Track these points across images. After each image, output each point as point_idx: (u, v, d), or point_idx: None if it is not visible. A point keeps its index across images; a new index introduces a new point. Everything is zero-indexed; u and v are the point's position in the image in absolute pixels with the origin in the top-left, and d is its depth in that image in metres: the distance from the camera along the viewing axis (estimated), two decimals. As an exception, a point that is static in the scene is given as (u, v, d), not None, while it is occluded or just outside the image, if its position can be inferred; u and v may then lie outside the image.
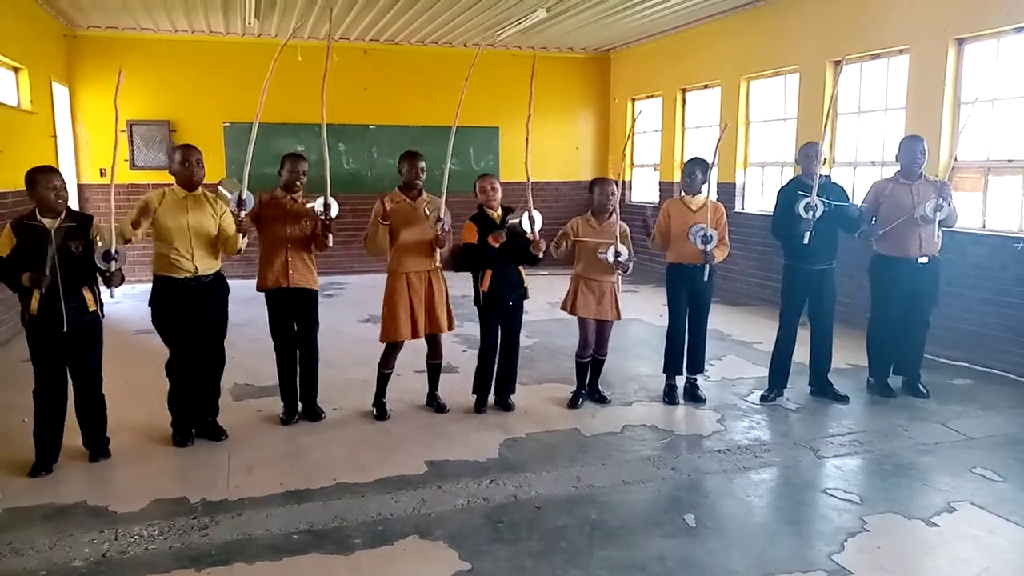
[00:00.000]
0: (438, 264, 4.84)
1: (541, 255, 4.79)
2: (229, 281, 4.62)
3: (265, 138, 10.41)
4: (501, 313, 5.00)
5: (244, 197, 4.29)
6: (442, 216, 4.66)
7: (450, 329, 5.00)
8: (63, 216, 4.02)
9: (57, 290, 3.94)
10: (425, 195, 4.87)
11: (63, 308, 3.96)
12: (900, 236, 5.21)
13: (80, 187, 10.31)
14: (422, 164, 4.84)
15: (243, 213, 4.31)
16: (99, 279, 4.13)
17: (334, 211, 4.61)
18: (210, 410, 4.65)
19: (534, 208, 4.72)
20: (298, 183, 4.79)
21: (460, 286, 5.28)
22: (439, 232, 4.67)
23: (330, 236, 4.68)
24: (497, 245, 4.74)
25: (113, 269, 3.96)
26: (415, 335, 4.82)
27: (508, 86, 11.02)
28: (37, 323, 3.97)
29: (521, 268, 4.98)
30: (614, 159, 12.51)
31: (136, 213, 4.22)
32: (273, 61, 4.49)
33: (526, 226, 4.69)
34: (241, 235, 4.38)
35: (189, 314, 4.38)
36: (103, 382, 4.28)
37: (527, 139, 4.92)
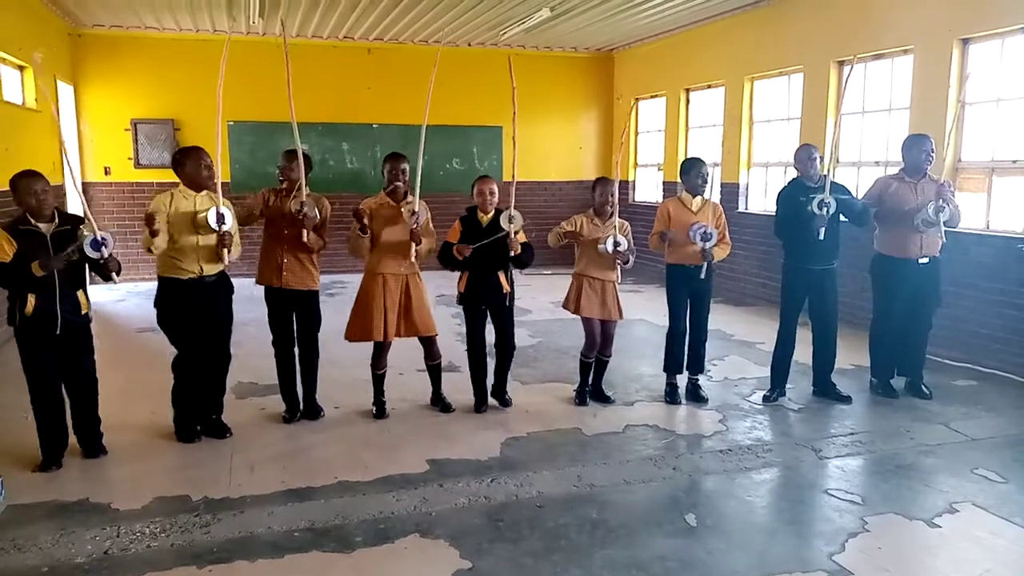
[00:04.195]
0: (413, 260, 4.75)
1: (514, 253, 4.76)
2: (232, 279, 4.63)
3: (270, 137, 10.56)
4: (482, 315, 5.00)
5: (222, 211, 4.25)
6: (416, 210, 4.61)
7: (427, 333, 4.94)
8: (56, 220, 4.00)
9: (53, 293, 3.94)
10: (410, 196, 4.78)
11: (58, 310, 3.97)
12: (901, 236, 5.21)
13: (84, 185, 10.34)
14: (404, 166, 4.79)
15: (223, 228, 4.26)
16: (92, 277, 4.12)
17: (306, 208, 4.49)
18: (215, 408, 4.66)
19: (516, 209, 4.72)
20: (284, 182, 4.74)
21: (449, 286, 5.26)
22: (412, 227, 4.62)
23: (304, 233, 4.56)
24: (460, 258, 4.73)
25: (105, 256, 3.95)
26: (387, 337, 4.81)
27: (511, 85, 11.04)
28: (30, 325, 3.96)
29: (502, 275, 4.92)
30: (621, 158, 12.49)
31: (148, 227, 4.10)
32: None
33: (504, 224, 4.69)
34: (225, 249, 4.31)
35: (195, 314, 4.38)
36: (98, 382, 4.30)
37: (514, 139, 4.88)
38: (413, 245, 4.68)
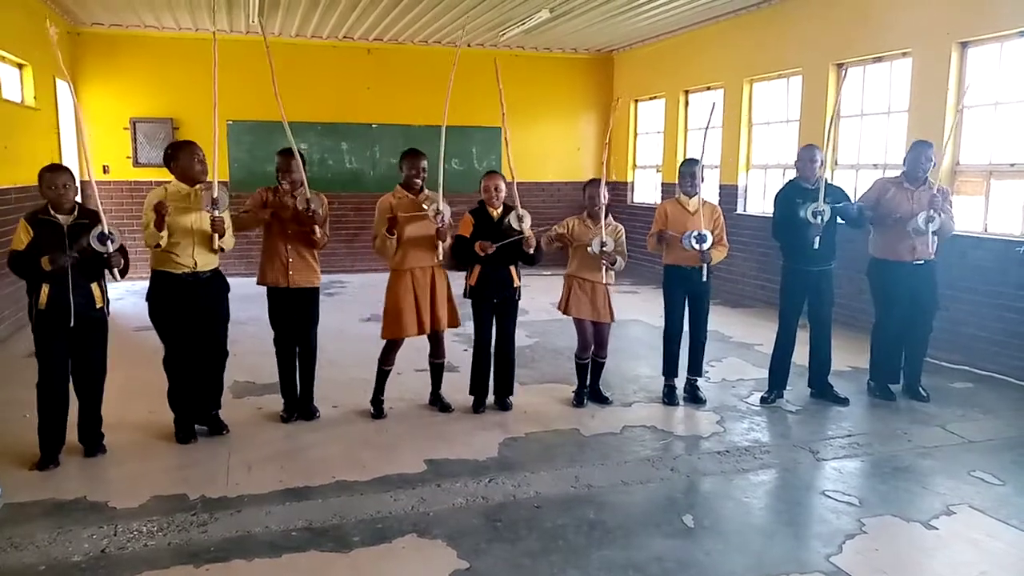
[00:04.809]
0: (440, 260, 4.81)
1: (532, 251, 4.79)
2: (230, 279, 4.63)
3: (269, 136, 10.56)
4: (490, 309, 5.01)
5: (216, 196, 4.25)
6: (441, 208, 4.64)
7: (452, 326, 5.00)
8: (75, 213, 4.05)
9: (66, 284, 3.97)
10: (427, 191, 4.84)
11: (71, 302, 3.99)
12: (894, 240, 5.23)
13: (83, 183, 10.30)
14: (423, 163, 4.82)
15: (216, 212, 4.27)
16: (106, 273, 4.15)
17: (314, 205, 4.57)
18: (212, 404, 4.65)
19: (523, 207, 4.75)
20: (284, 183, 4.75)
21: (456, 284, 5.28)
22: (439, 225, 4.65)
23: (316, 230, 4.65)
24: (483, 255, 4.74)
25: (111, 250, 3.97)
26: (420, 331, 4.83)
27: (511, 86, 11.04)
28: (45, 316, 4.00)
29: (513, 269, 4.95)
30: (616, 160, 12.52)
31: (153, 217, 4.15)
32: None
33: (515, 224, 4.71)
34: (217, 235, 4.32)
35: (188, 309, 4.37)
36: (105, 379, 4.30)
37: (506, 140, 4.90)
38: (440, 244, 4.69)
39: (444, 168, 4.82)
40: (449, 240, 4.80)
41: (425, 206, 4.70)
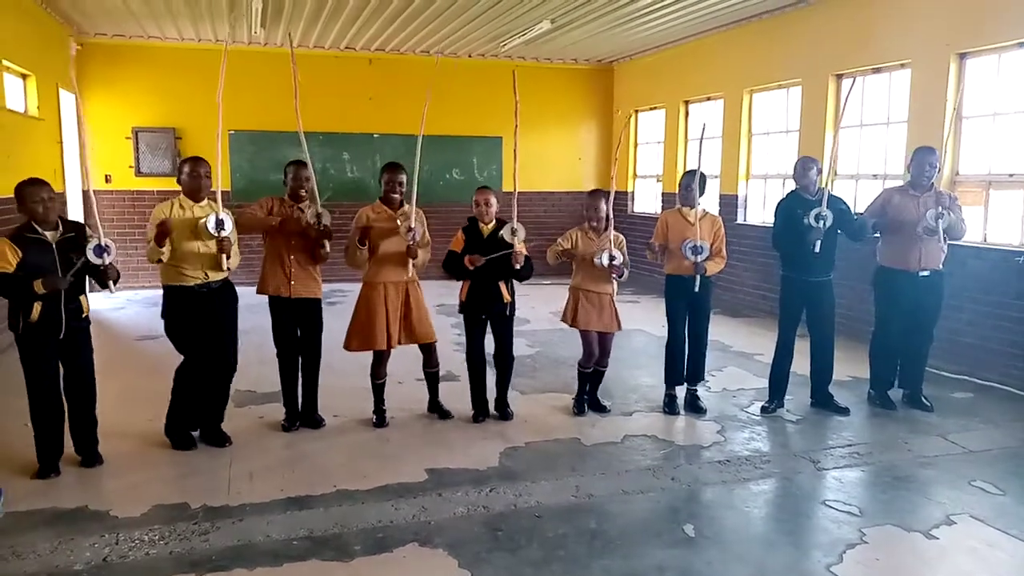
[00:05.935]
0: (409, 276, 4.78)
1: (518, 267, 4.78)
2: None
3: (271, 146, 10.61)
4: (482, 324, 5.03)
5: (222, 217, 4.29)
6: (413, 226, 4.64)
7: (430, 340, 4.99)
8: (60, 228, 4.01)
9: (59, 299, 3.95)
10: (406, 206, 4.79)
11: (63, 315, 3.98)
12: (902, 248, 5.24)
13: (84, 193, 10.35)
14: (401, 177, 4.82)
15: (223, 233, 4.30)
16: (90, 284, 4.16)
17: (325, 219, 4.63)
18: (216, 416, 4.66)
19: (519, 221, 4.75)
20: (302, 191, 4.80)
21: (449, 295, 5.29)
22: (409, 242, 4.65)
23: (326, 244, 4.70)
24: (472, 268, 4.76)
25: (107, 262, 3.98)
26: (389, 345, 4.84)
27: (511, 97, 11.11)
28: (35, 331, 3.97)
29: (503, 284, 4.94)
30: (617, 169, 12.55)
31: (156, 233, 4.18)
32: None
33: (508, 237, 4.72)
34: (224, 256, 4.34)
35: (202, 320, 4.40)
36: (95, 383, 4.31)
37: (515, 152, 4.88)
38: (410, 261, 4.70)
39: (418, 179, 4.78)
40: (424, 257, 4.82)
41: (400, 222, 4.71)
